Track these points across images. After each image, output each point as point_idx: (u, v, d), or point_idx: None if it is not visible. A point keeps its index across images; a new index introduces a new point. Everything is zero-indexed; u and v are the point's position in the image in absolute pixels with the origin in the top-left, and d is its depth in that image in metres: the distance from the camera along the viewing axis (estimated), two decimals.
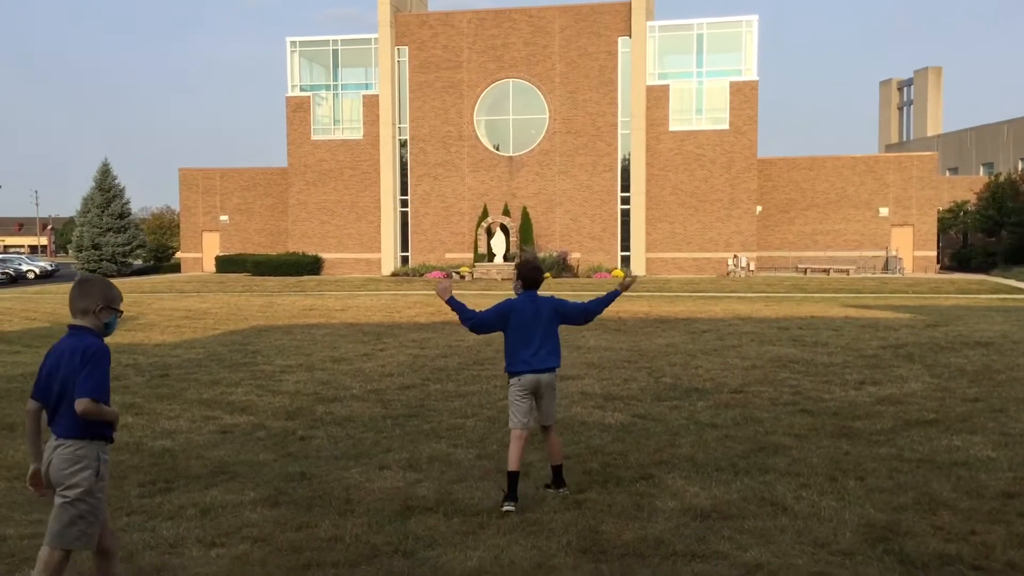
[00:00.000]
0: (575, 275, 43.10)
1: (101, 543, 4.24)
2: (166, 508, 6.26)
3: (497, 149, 45.83)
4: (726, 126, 43.48)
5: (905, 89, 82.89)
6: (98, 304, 4.28)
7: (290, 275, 45.03)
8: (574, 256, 44.13)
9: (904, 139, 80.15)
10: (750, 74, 43.41)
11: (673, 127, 44.04)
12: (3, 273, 51.11)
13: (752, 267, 43.18)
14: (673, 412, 9.36)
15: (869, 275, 42.94)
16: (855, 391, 10.64)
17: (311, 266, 46.54)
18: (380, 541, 5.42)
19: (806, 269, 44.54)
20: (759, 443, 7.89)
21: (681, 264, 44.48)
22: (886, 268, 44.79)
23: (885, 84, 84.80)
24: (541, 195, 45.19)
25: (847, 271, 43.79)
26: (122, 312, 4.39)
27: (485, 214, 44.67)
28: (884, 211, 45.65)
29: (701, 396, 10.31)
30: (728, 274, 42.90)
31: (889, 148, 77.07)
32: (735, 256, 43.28)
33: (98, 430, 4.15)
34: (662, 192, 44.43)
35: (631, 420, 9.01)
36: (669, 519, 5.79)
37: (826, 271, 43.85)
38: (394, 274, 45.33)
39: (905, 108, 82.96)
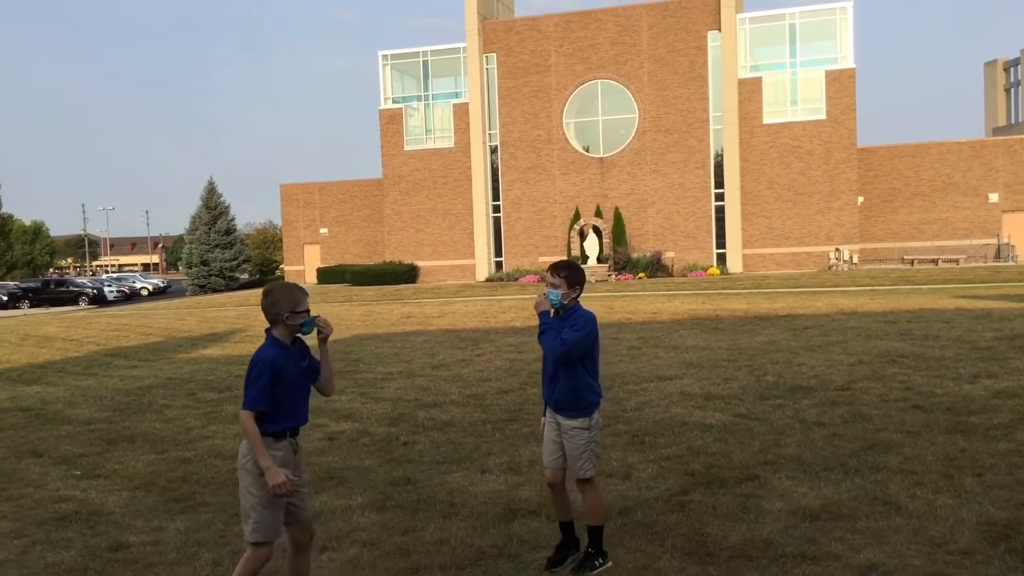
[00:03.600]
0: (670, 274, 42.61)
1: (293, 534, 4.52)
2: None
3: (587, 151, 45.72)
4: (823, 116, 42.33)
5: (1012, 69, 79.08)
6: (283, 313, 4.37)
7: (387, 284, 45.88)
8: (668, 255, 43.65)
9: (1012, 121, 76.48)
10: (846, 62, 42.18)
11: (767, 120, 43.12)
12: (119, 291, 53.57)
13: (855, 260, 41.90)
14: (777, 411, 9.16)
15: (980, 264, 41.13)
16: (969, 385, 10.21)
17: (407, 274, 47.33)
18: (485, 544, 5.48)
19: (912, 260, 42.95)
20: (869, 441, 7.65)
21: (780, 260, 43.48)
22: (998, 256, 42.82)
23: (990, 65, 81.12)
24: (633, 195, 44.86)
25: (956, 261, 42.05)
26: (308, 311, 4.43)
27: (577, 216, 44.60)
28: (994, 197, 43.66)
29: (806, 394, 10.06)
30: (830, 268, 41.72)
31: (997, 131, 73.64)
32: (837, 249, 42.06)
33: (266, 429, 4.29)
34: (758, 187, 43.53)
35: (733, 420, 8.86)
36: (777, 520, 5.67)
37: (934, 262, 42.21)
38: (488, 279, 45.68)
39: (1013, 89, 79.15)
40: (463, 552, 5.41)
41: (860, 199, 44.17)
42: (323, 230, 54.08)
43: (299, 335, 4.47)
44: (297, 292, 4.43)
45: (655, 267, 42.47)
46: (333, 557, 5.48)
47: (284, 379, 4.30)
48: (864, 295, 25.30)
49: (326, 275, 50.43)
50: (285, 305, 4.37)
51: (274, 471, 4.17)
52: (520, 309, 25.77)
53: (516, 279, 43.68)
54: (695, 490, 6.44)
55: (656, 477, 6.85)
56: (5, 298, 50.32)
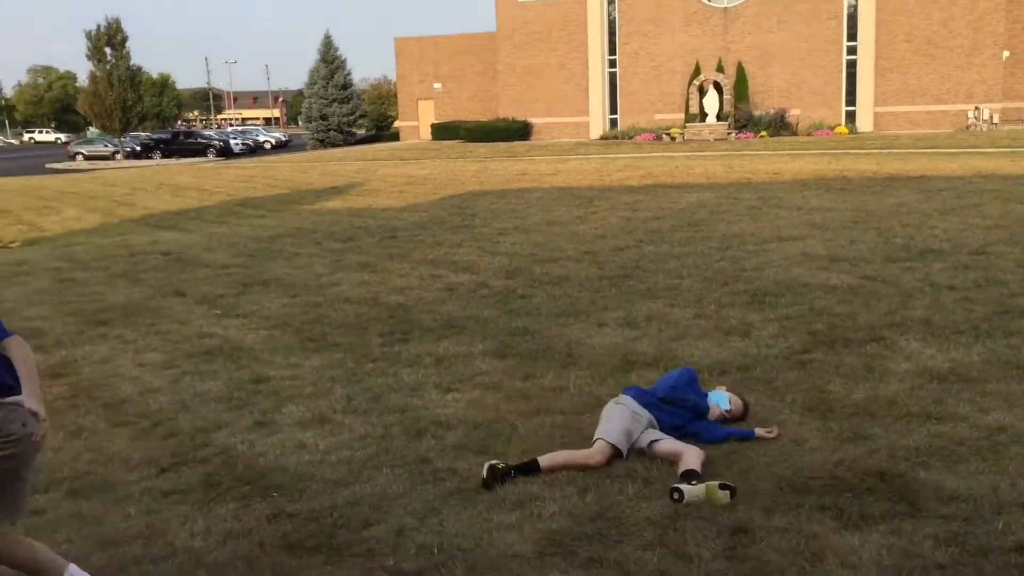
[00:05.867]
0: (794, 133, 40.94)
1: None
2: (404, 356, 6.75)
3: (709, 1, 43.48)
4: None
5: None
6: None
7: (500, 141, 45.69)
8: (793, 113, 41.81)
9: None
10: None
11: None
12: (244, 144, 55.17)
13: (996, 120, 39.20)
14: (906, 274, 8.87)
15: None
16: None
17: (521, 131, 46.96)
18: (603, 392, 5.61)
19: None
20: (1003, 306, 7.37)
21: (913, 118, 41.09)
22: None
23: None
24: (757, 49, 42.72)
25: None
26: None
27: (697, 71, 42.94)
28: None
29: (937, 257, 9.68)
30: (968, 128, 39.23)
31: None
32: (976, 108, 39.40)
33: None
34: (893, 39, 40.75)
35: (859, 282, 8.64)
36: (902, 381, 5.59)
37: None
38: (603, 137, 44.90)
39: None
40: (581, 399, 5.56)
41: (1005, 54, 40.89)
42: (437, 85, 53.85)
43: None
44: None
45: (778, 126, 40.82)
46: (457, 397, 5.73)
47: None
48: (1004, 157, 23.79)
49: (440, 131, 50.54)
50: None
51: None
52: (635, 168, 25.37)
53: (631, 137, 42.78)
54: (817, 349, 6.38)
55: (776, 336, 6.80)
56: (139, 148, 52.58)
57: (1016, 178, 17.91)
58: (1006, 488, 4.02)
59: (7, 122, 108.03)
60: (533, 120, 47.74)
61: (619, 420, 4.65)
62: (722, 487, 4.01)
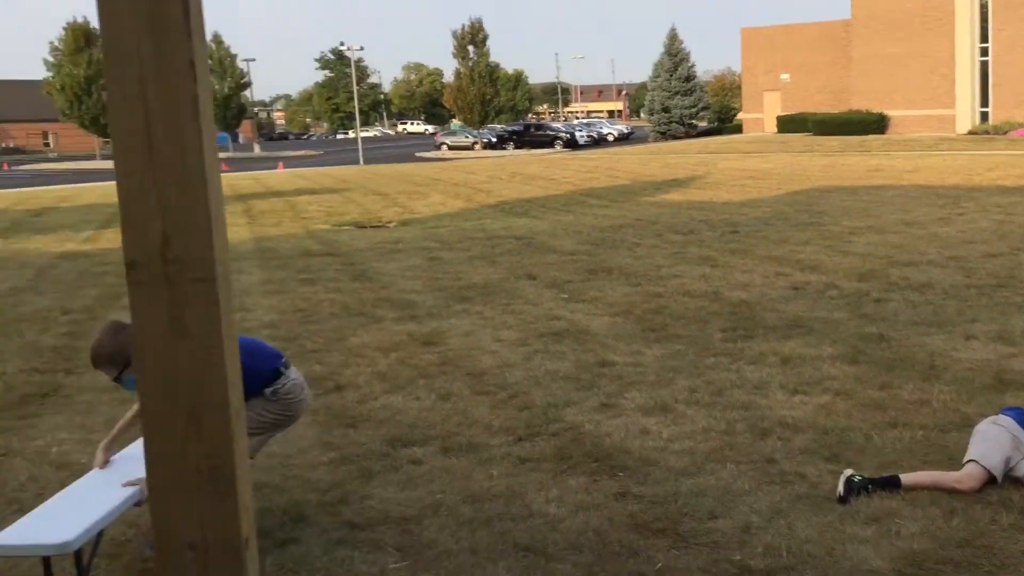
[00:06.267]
0: None
1: None
2: (747, 353, 6.67)
3: None
4: None
5: None
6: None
7: (852, 134, 43.04)
8: None
9: None
10: None
11: None
12: (588, 136, 57.14)
13: None
14: None
15: None
16: None
17: (875, 124, 43.91)
18: (972, 411, 5.16)
19: None
20: None
21: None
22: None
23: None
24: None
25: None
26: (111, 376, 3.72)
27: None
28: None
29: None
30: None
31: None
32: None
33: None
34: None
35: None
36: None
37: None
38: (971, 132, 40.70)
39: None
40: (946, 415, 5.16)
41: None
42: (784, 76, 51.95)
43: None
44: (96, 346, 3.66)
45: None
46: (805, 400, 5.57)
47: None
48: None
49: (786, 123, 48.71)
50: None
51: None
52: (1010, 166, 22.75)
53: (1005, 132, 38.34)
54: None
55: None
56: (494, 139, 56.44)
57: None
58: None
59: (385, 114, 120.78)
60: (890, 113, 44.43)
61: (997, 443, 4.25)
62: None
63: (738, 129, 57.35)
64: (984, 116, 41.96)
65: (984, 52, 41.66)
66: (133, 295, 1.96)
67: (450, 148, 55.96)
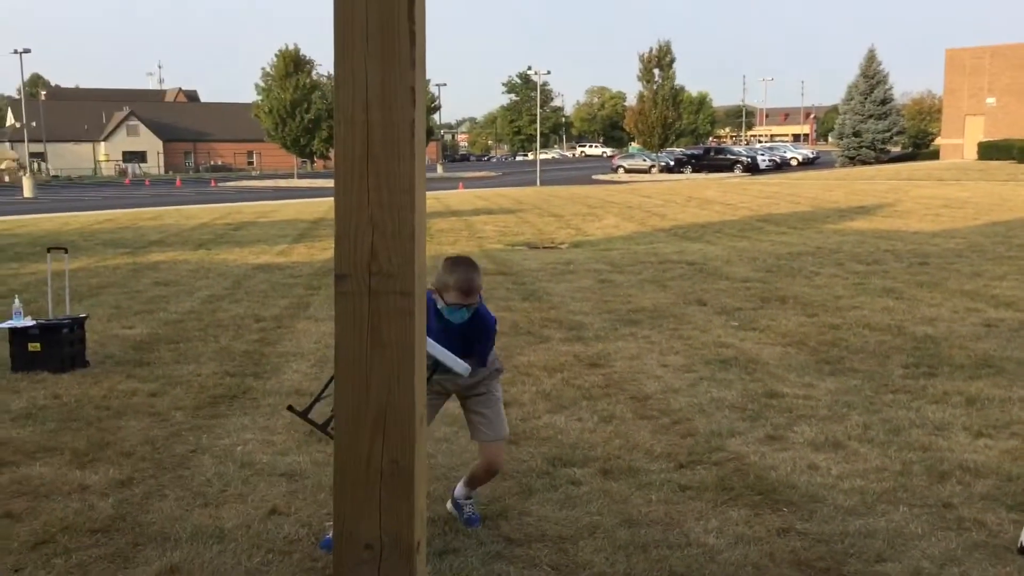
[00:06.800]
0: None
1: None
2: (930, 392, 6.32)
3: None
4: None
5: None
6: (446, 285, 3.86)
7: None
8: None
9: None
10: None
11: None
12: (770, 160, 55.63)
13: None
14: None
15: None
16: None
17: None
18: None
19: None
20: None
21: None
22: None
23: None
24: None
25: None
26: (454, 304, 3.86)
27: None
28: None
29: None
30: None
31: None
32: None
33: None
34: None
35: None
36: None
37: None
38: None
39: None
40: None
41: None
42: (990, 100, 48.70)
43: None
44: (450, 278, 3.83)
45: None
46: (990, 444, 5.22)
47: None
48: None
49: (989, 150, 45.61)
50: (435, 279, 3.87)
51: None
52: None
53: None
54: None
55: None
56: (672, 163, 55.95)
57: None
58: None
59: (564, 136, 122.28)
60: None
61: None
62: None
63: (935, 155, 54.17)
64: None
65: None
66: (339, 305, 2.14)
67: (627, 171, 55.94)
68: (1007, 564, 3.73)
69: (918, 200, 23.76)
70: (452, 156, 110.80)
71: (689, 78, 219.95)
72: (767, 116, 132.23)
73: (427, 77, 2.21)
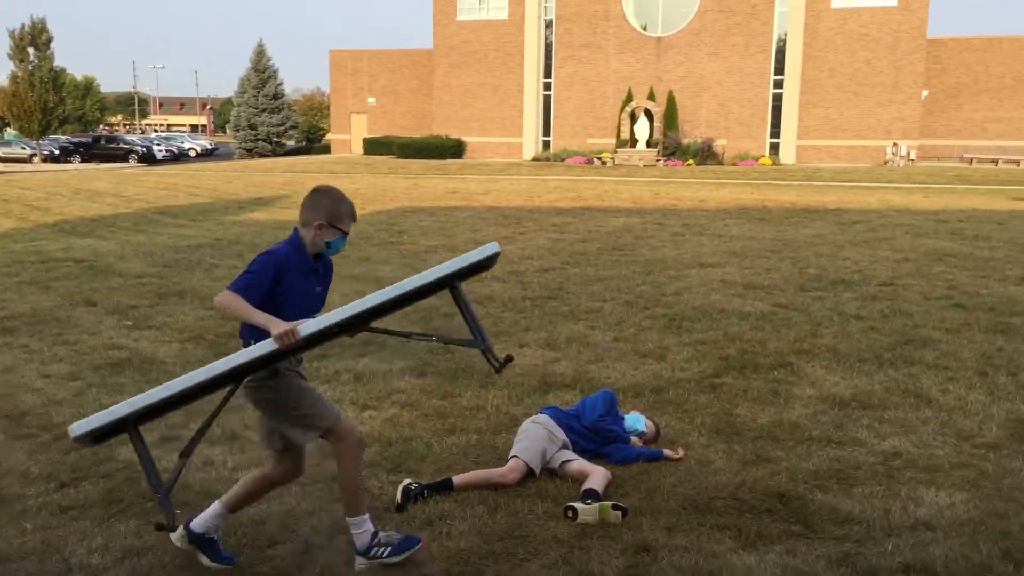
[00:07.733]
0: (720, 163, 41.90)
1: None
2: (323, 373, 6.69)
3: (644, 29, 44.36)
4: (894, 3, 40.50)
5: None
6: (319, 219, 3.55)
7: (433, 158, 45.70)
8: (720, 143, 42.82)
9: None
10: None
11: (836, 4, 41.42)
12: (167, 150, 54.02)
13: (912, 156, 40.80)
14: (816, 303, 9.16)
15: None
16: (1015, 287, 10.08)
17: (454, 150, 47.05)
18: (519, 412, 5.65)
19: (972, 160, 41.69)
20: (906, 336, 7.66)
21: (835, 152, 42.48)
22: None
23: None
24: (688, 79, 43.69)
25: (1017, 162, 40.75)
26: (347, 233, 3.65)
27: (629, 98, 43.69)
28: None
29: (847, 288, 10.02)
30: (886, 163, 40.73)
31: None
32: (895, 144, 40.95)
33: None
34: (818, 75, 42.16)
35: (772, 309, 8.89)
36: (806, 406, 5.77)
37: (994, 162, 40.94)
38: (535, 159, 45.31)
39: None
40: (498, 418, 5.60)
41: (925, 93, 42.64)
42: (371, 100, 53.68)
43: (325, 255, 3.66)
44: (345, 208, 3.62)
45: (705, 155, 41.76)
46: (374, 415, 5.71)
47: (286, 291, 3.48)
48: (918, 192, 24.75)
49: (372, 146, 50.32)
50: (325, 212, 3.56)
51: (276, 322, 3.30)
52: (565, 190, 25.64)
53: (563, 160, 43.26)
54: (727, 374, 6.54)
55: (690, 360, 6.95)
56: (57, 152, 51.03)
57: (928, 213, 18.66)
58: (898, 511, 4.18)
59: None
60: (467, 139, 47.91)
61: (534, 439, 4.70)
62: (615, 507, 4.09)
63: (327, 149, 58.04)
64: (546, 145, 46.92)
65: (547, 87, 46.61)
66: None
67: (1, 160, 49.63)
68: (387, 524, 4.08)
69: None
70: None
71: (72, 60, 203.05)
72: (161, 105, 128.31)
73: None
